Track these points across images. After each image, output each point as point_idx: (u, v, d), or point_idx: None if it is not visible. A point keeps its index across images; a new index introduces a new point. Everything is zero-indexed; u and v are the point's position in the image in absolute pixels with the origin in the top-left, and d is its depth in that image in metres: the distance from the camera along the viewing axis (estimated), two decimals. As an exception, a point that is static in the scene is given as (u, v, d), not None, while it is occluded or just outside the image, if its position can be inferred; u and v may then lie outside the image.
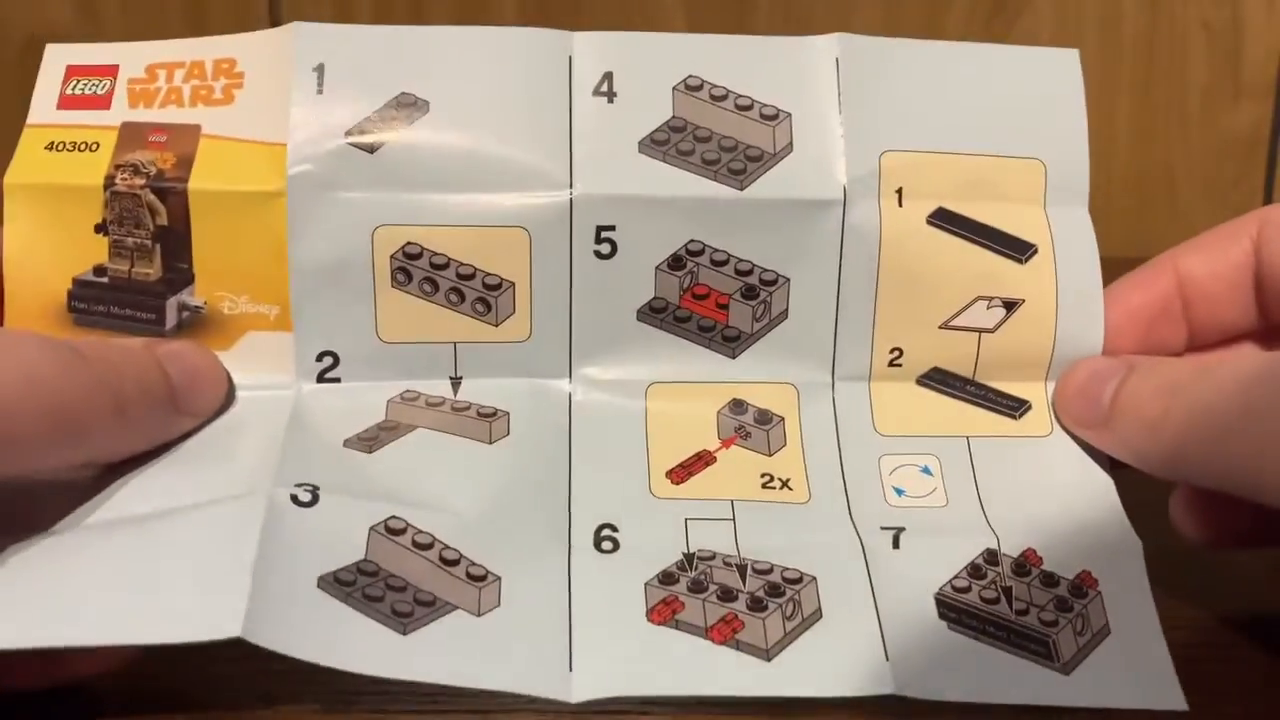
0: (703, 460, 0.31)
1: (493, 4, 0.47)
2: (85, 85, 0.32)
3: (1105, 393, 0.30)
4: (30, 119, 0.31)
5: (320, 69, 0.31)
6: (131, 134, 0.31)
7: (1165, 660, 0.28)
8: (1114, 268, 0.32)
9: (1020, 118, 0.32)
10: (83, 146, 0.31)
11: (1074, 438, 0.31)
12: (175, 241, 0.30)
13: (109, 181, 0.30)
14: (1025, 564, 0.29)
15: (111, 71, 0.32)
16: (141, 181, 0.30)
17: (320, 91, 0.31)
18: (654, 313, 0.31)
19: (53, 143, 0.31)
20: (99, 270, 0.30)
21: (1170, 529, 0.30)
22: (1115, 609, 0.29)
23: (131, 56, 0.32)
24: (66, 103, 0.32)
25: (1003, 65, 0.32)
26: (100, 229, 0.30)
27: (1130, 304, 0.32)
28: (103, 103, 0.32)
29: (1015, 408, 0.32)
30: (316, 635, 0.26)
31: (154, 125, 0.31)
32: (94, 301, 0.30)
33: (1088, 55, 0.33)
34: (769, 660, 0.28)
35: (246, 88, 0.31)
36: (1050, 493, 0.31)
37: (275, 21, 0.47)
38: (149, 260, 0.30)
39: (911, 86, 0.32)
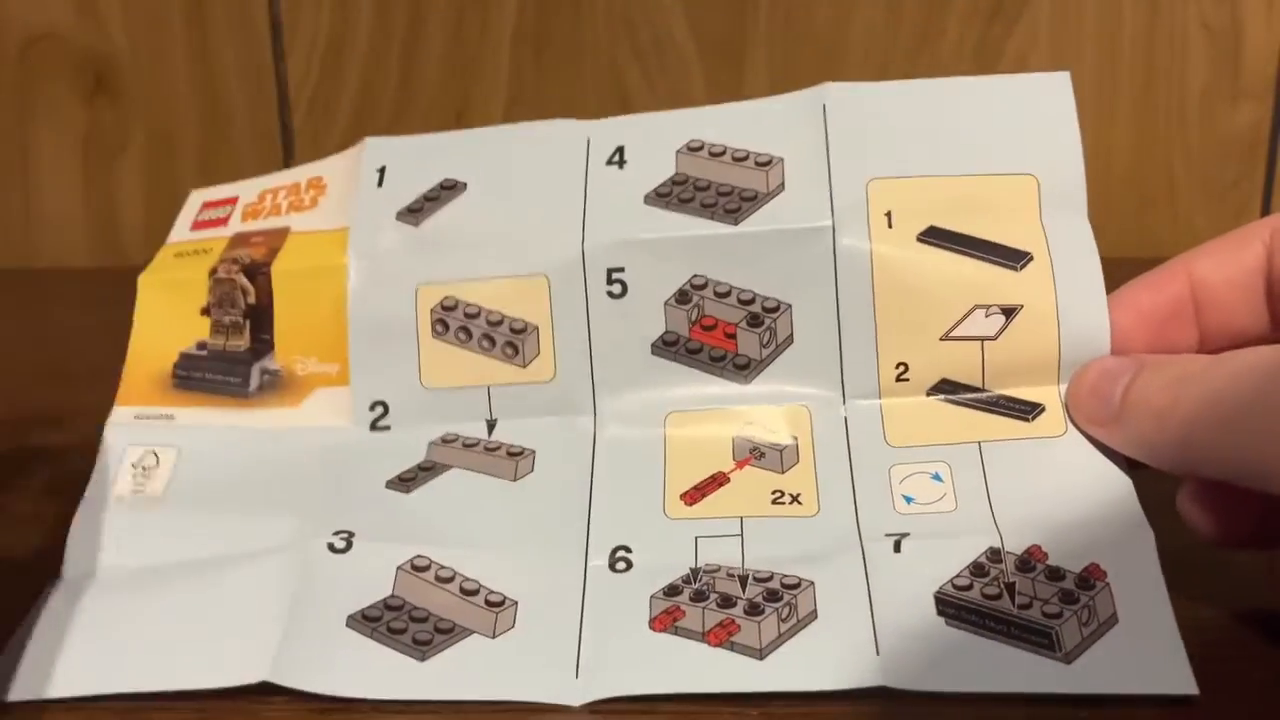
0: (716, 481, 0.32)
1: (492, 3, 0.50)
2: (212, 212, 0.39)
3: (1116, 390, 0.30)
4: (169, 239, 0.38)
5: (382, 170, 0.37)
6: (238, 240, 0.37)
7: (1176, 645, 0.27)
8: (1113, 268, 0.32)
9: (1011, 140, 0.33)
10: (200, 251, 0.37)
11: (1089, 437, 0.31)
12: (261, 317, 0.36)
13: (213, 271, 0.36)
14: (1029, 560, 0.29)
15: (233, 200, 0.39)
16: (238, 268, 0.36)
17: (380, 185, 0.36)
18: (667, 346, 0.34)
19: (180, 252, 0.38)
20: (201, 345, 0.36)
21: (1176, 529, 0.29)
22: (1124, 598, 0.28)
23: (249, 188, 0.39)
24: (197, 225, 0.39)
25: (992, 94, 0.34)
26: (205, 312, 0.36)
27: (1141, 306, 0.32)
28: (223, 223, 0.38)
29: (1028, 411, 0.32)
30: (340, 670, 0.29)
31: (256, 232, 0.37)
32: (193, 369, 0.36)
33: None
34: (761, 659, 0.28)
35: (328, 194, 0.37)
36: (1062, 490, 0.30)
37: (275, 22, 0.51)
38: (240, 335, 0.36)
39: (898, 122, 0.34)
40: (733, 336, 0.34)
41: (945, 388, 0.33)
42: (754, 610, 0.29)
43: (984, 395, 0.32)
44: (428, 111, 0.54)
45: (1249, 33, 0.47)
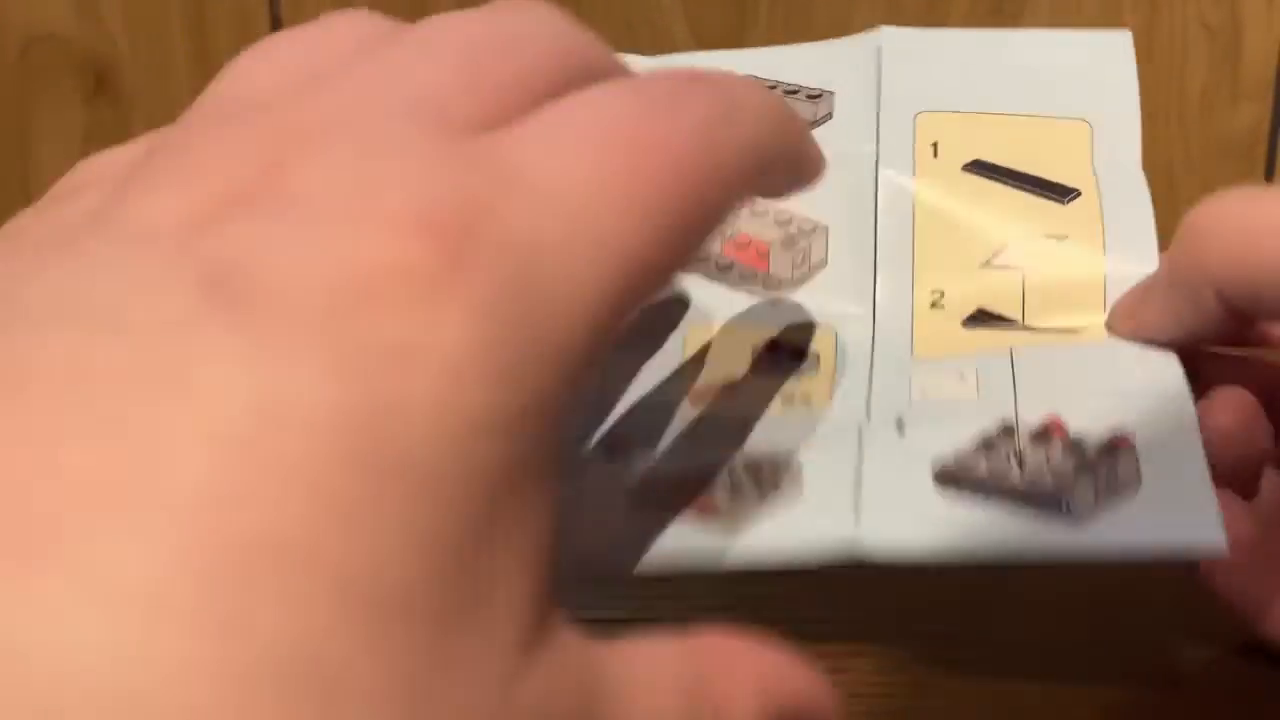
0: (731, 388, 0.31)
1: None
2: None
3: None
4: None
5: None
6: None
7: (1207, 498, 0.24)
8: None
9: (1068, 87, 0.33)
10: None
11: None
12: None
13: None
14: (1047, 433, 0.27)
15: None
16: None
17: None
18: (699, 260, 0.33)
19: None
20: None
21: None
22: (1150, 462, 0.25)
23: None
24: None
25: (1053, 45, 0.34)
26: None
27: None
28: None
29: (1065, 334, 0.30)
30: None
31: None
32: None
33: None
34: (735, 533, 0.26)
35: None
36: (1095, 369, 0.28)
37: (275, 21, 0.50)
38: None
39: (953, 63, 0.34)
40: (765, 256, 0.33)
41: (980, 317, 0.31)
42: (736, 491, 0.27)
43: (1019, 324, 0.31)
44: (426, 111, 0.54)
45: (1249, 33, 0.46)
